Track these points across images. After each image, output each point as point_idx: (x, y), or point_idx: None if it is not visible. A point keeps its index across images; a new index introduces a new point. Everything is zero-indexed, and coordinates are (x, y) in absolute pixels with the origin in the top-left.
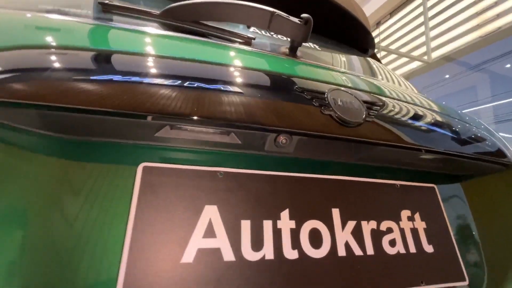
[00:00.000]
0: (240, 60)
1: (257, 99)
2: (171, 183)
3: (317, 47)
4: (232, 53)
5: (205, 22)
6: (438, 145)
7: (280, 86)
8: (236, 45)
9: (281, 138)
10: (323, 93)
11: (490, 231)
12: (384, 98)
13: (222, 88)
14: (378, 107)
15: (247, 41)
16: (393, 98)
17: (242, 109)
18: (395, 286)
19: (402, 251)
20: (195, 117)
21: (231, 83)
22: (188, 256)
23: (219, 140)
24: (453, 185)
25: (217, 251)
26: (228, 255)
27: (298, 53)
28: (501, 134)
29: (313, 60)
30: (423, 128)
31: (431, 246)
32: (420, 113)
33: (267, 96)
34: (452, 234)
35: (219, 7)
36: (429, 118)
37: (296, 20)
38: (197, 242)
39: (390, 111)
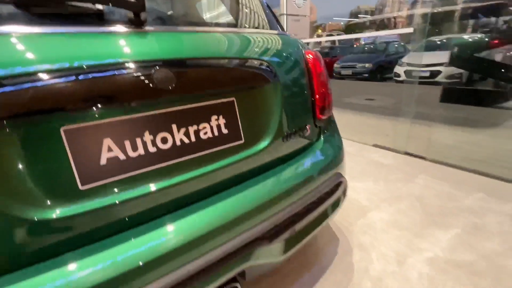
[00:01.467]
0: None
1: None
2: (83, 131)
3: None
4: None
5: None
6: (232, 78)
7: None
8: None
9: (131, 104)
10: (150, 75)
11: (254, 117)
12: (195, 60)
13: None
14: (186, 71)
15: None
16: (205, 57)
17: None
18: (204, 150)
19: (211, 135)
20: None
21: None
22: (103, 161)
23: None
24: (242, 96)
25: (115, 156)
26: (122, 156)
27: (142, 16)
28: None
29: (158, 22)
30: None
31: (227, 130)
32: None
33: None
34: (239, 120)
35: None
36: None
37: None
38: (105, 155)
39: (196, 69)
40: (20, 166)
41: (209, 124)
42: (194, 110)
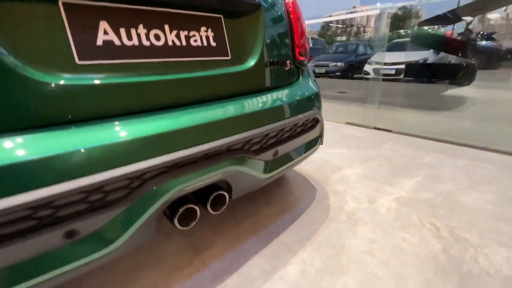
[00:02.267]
0: None
1: None
2: (81, 9)
3: None
4: None
5: None
6: None
7: None
8: None
9: None
10: None
11: (240, 39)
12: None
13: None
14: None
15: None
16: None
17: None
18: (193, 56)
19: (200, 44)
20: None
21: None
22: (99, 42)
23: None
24: (229, 17)
25: (111, 41)
26: (117, 42)
27: None
28: None
29: None
30: None
31: (215, 43)
32: None
33: None
34: (226, 37)
35: None
36: None
37: None
38: (101, 37)
39: None
40: (23, 31)
41: (199, 34)
42: (186, 16)
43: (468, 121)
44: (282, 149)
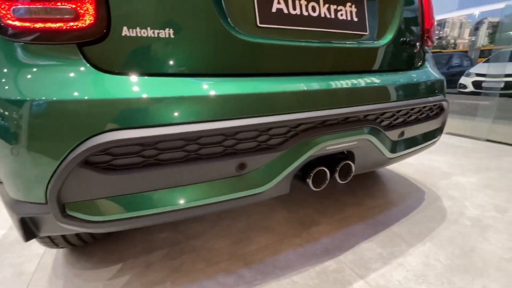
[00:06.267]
0: None
1: None
2: None
3: None
4: None
5: None
6: None
7: None
8: None
9: None
10: None
11: (377, 18)
12: None
13: None
14: None
15: None
16: None
17: None
18: (339, 28)
19: (344, 18)
20: None
21: None
22: (274, 9)
23: None
24: None
25: (281, 9)
26: (285, 10)
27: None
28: None
29: None
30: None
31: (357, 18)
32: None
33: None
34: (366, 14)
35: None
36: None
37: None
38: (275, 5)
39: None
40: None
41: (345, 8)
42: None
43: None
44: (408, 131)
